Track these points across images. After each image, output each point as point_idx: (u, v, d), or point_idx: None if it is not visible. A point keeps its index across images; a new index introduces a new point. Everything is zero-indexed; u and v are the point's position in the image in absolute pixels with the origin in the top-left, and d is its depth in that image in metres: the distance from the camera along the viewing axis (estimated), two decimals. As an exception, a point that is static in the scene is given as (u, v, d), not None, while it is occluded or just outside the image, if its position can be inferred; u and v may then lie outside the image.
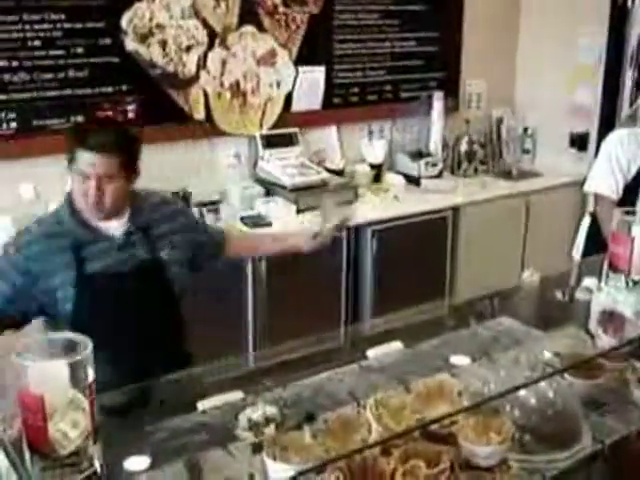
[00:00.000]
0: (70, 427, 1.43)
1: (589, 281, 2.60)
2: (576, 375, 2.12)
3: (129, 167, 2.32)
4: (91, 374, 1.46)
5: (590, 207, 3.96)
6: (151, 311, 2.41)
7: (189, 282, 2.58)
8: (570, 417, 1.99)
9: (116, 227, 2.37)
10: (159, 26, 3.95)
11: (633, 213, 2.36)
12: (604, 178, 3.67)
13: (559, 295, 2.74)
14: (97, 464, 1.50)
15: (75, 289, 2.29)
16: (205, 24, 4.10)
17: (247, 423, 2.00)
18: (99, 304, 2.31)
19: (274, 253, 3.08)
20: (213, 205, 3.99)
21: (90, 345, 1.47)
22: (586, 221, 3.89)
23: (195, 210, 3.79)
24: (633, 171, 3.61)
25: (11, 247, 2.36)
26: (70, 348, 1.47)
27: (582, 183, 3.89)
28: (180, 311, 2.55)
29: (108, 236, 2.36)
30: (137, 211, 2.41)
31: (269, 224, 3.97)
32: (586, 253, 3.74)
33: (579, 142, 5.15)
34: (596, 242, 3.42)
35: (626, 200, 3.45)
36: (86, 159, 2.23)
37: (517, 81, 5.53)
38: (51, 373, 1.43)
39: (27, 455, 1.46)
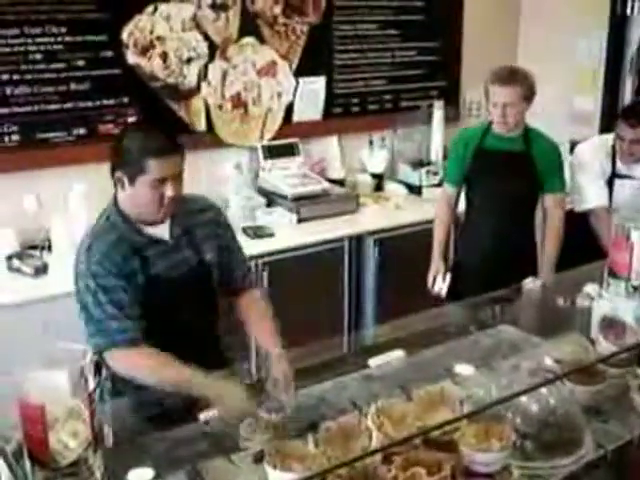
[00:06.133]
0: (70, 437, 1.43)
1: (590, 287, 2.61)
2: (577, 381, 2.13)
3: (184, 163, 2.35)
4: (91, 383, 1.47)
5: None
6: (199, 314, 2.45)
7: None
8: (571, 423, 1.99)
9: (162, 231, 2.38)
10: (160, 38, 3.97)
11: (632, 219, 2.36)
12: (589, 191, 3.68)
13: (560, 302, 2.74)
14: (98, 474, 1.50)
15: (143, 291, 2.32)
16: (205, 36, 4.12)
17: (249, 432, 2.01)
18: (163, 305, 2.35)
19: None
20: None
21: (90, 354, 1.47)
22: None
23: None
24: (608, 171, 3.65)
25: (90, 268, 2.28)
26: (70, 358, 1.47)
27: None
28: (218, 316, 2.58)
29: (160, 239, 2.38)
30: (177, 216, 2.41)
31: (271, 235, 3.97)
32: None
33: (579, 149, 5.15)
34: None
35: None
36: (159, 165, 2.22)
37: (517, 89, 5.53)
38: (51, 383, 1.43)
39: (28, 465, 1.47)
